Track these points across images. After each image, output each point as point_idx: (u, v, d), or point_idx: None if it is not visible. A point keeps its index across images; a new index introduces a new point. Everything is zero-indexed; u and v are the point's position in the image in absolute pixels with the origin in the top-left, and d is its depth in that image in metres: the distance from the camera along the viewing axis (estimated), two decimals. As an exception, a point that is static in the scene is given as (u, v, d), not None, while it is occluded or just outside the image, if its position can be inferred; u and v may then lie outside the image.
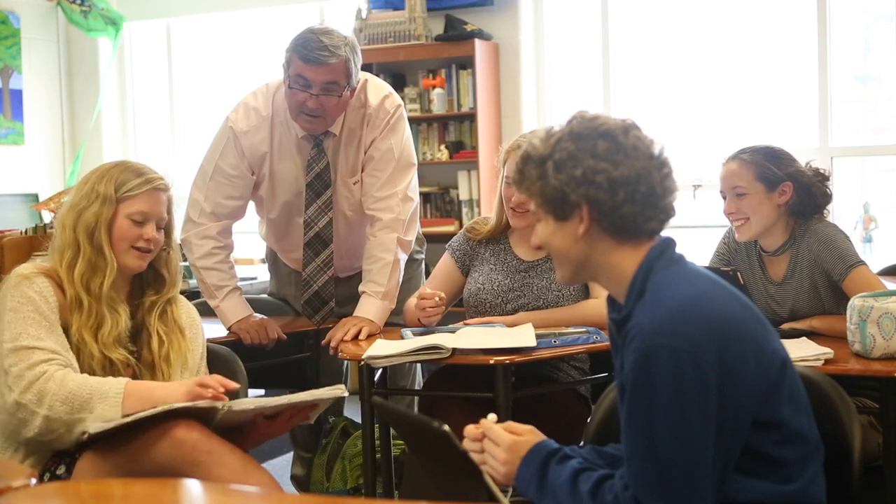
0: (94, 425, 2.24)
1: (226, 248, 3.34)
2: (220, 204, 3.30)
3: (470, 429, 1.87)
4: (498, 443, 1.82)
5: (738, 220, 2.89)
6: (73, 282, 2.41)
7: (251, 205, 3.47)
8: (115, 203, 2.45)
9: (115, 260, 2.44)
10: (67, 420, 2.26)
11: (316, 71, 3.06)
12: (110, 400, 2.27)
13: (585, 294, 3.06)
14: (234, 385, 2.36)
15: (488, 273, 3.14)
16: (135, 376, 2.44)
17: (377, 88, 3.29)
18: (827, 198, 2.91)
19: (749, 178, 2.85)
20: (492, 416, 1.87)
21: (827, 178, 2.93)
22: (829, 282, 2.83)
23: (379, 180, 3.27)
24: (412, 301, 3.18)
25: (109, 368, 2.41)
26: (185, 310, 2.62)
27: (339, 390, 2.43)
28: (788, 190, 2.84)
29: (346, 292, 3.43)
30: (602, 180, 1.72)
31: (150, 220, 2.48)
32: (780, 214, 2.87)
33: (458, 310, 3.22)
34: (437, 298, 2.98)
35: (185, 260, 4.13)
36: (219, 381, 2.34)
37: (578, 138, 1.74)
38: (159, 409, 2.24)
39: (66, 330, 2.40)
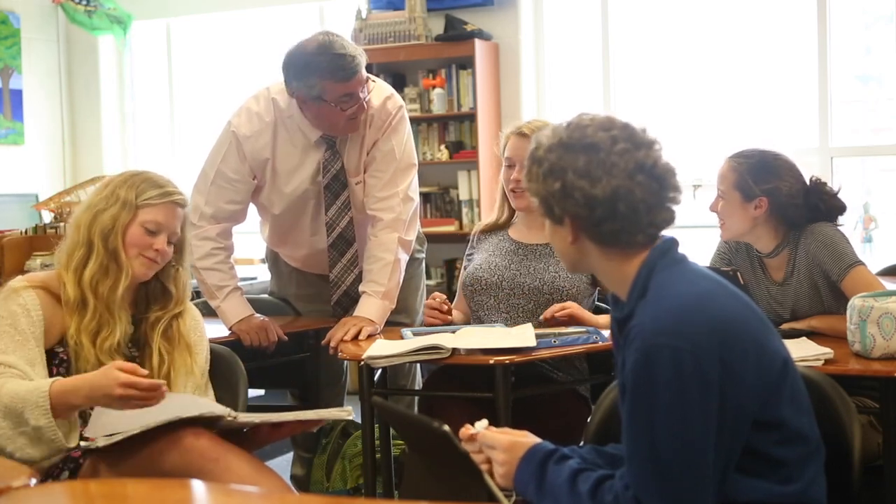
0: (101, 439, 2.24)
1: (226, 249, 3.35)
2: (221, 208, 3.31)
3: (463, 431, 1.87)
4: (494, 445, 1.82)
5: (720, 220, 2.93)
6: (81, 283, 2.41)
7: (252, 208, 3.47)
8: (134, 209, 2.45)
9: (129, 266, 2.44)
10: (16, 433, 2.24)
11: (356, 82, 3.10)
12: (39, 409, 2.23)
13: (585, 279, 3.09)
14: (155, 383, 2.23)
15: (486, 257, 3.19)
16: None
17: (379, 90, 3.30)
18: (819, 212, 2.86)
19: (729, 183, 2.87)
20: (481, 423, 1.87)
21: (828, 195, 2.88)
22: (828, 282, 2.83)
23: (381, 181, 3.28)
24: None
25: None
26: (192, 316, 2.61)
27: (344, 412, 2.43)
28: (763, 205, 2.84)
29: (347, 292, 3.43)
30: (579, 197, 1.72)
31: (162, 231, 2.48)
32: (756, 224, 2.87)
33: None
34: (444, 307, 3.05)
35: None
36: (135, 378, 2.21)
37: (566, 149, 1.74)
38: (165, 418, 2.23)
39: (63, 333, 2.40)
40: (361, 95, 3.13)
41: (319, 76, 3.08)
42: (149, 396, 2.21)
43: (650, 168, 1.73)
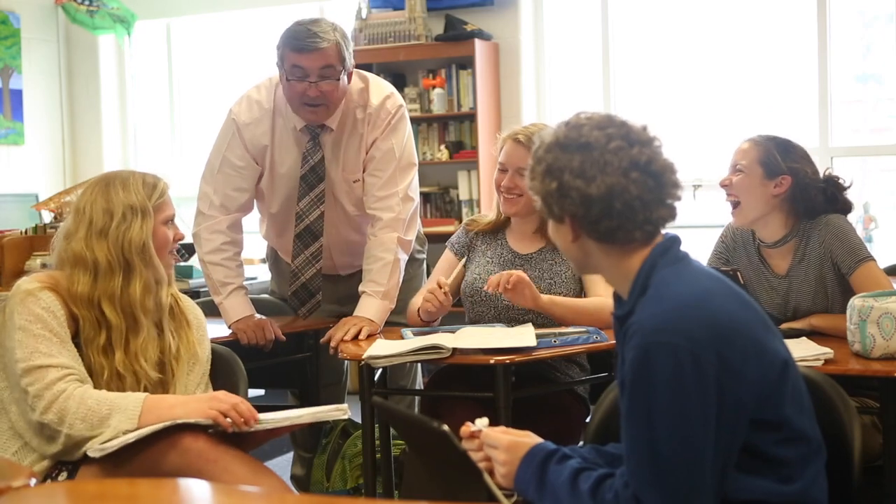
0: (95, 449, 2.23)
1: (234, 245, 3.35)
2: (230, 196, 3.31)
3: (463, 429, 1.87)
4: (496, 445, 1.82)
5: (731, 198, 2.89)
6: (128, 305, 2.40)
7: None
8: (151, 214, 2.46)
9: (164, 270, 2.47)
10: (88, 437, 2.26)
11: (310, 58, 3.09)
12: (128, 412, 2.27)
13: (578, 287, 3.07)
14: (253, 416, 2.33)
15: (485, 265, 3.16)
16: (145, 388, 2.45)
17: (379, 88, 3.30)
18: (835, 204, 2.88)
19: (752, 158, 2.86)
20: (482, 421, 1.87)
21: (842, 189, 2.89)
22: (836, 275, 2.82)
23: (380, 180, 3.28)
24: (414, 301, 3.18)
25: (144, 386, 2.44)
26: (190, 308, 2.62)
27: (340, 412, 2.42)
28: (785, 183, 2.83)
29: (347, 290, 3.43)
30: (575, 196, 1.73)
31: (174, 220, 2.53)
32: (773, 206, 2.86)
33: (458, 310, 3.22)
34: (443, 291, 2.99)
35: (188, 260, 4.13)
36: (234, 406, 2.31)
37: (562, 149, 1.75)
38: (162, 424, 2.24)
39: (110, 357, 2.40)
40: (316, 79, 3.09)
41: (282, 43, 3.14)
42: (240, 420, 2.29)
43: (645, 165, 1.73)
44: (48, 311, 2.34)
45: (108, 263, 2.40)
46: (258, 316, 3.33)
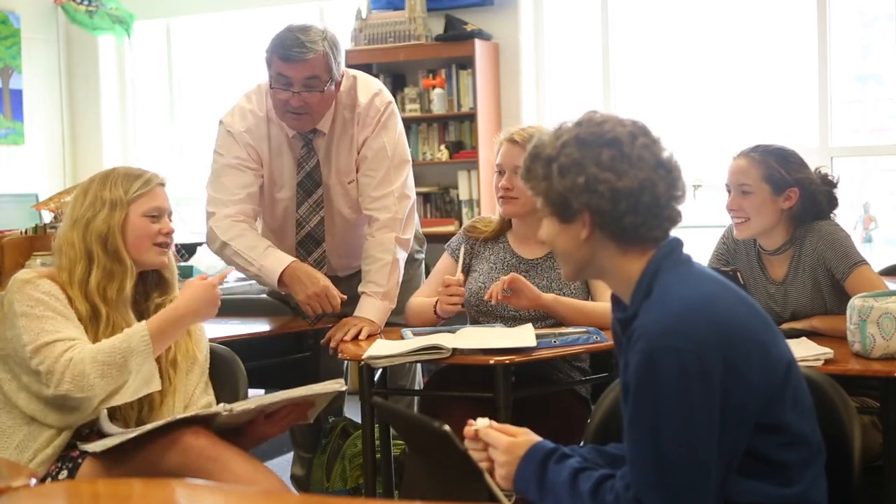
0: (94, 444, 2.23)
1: (245, 221, 3.24)
2: (234, 192, 3.25)
3: (467, 429, 1.87)
4: (495, 445, 1.82)
5: (739, 218, 2.88)
6: (89, 293, 2.41)
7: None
8: (126, 206, 2.46)
9: (132, 263, 2.46)
10: (114, 389, 2.30)
11: (295, 68, 3.07)
12: (142, 352, 2.33)
13: (586, 293, 3.06)
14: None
15: (489, 272, 3.13)
16: None
17: (367, 87, 3.28)
18: (833, 204, 2.90)
19: (756, 177, 2.84)
20: (483, 421, 1.87)
21: (835, 185, 2.91)
22: (831, 280, 2.82)
23: (374, 180, 3.26)
24: (415, 301, 3.18)
25: None
26: None
27: (337, 384, 2.42)
28: (794, 196, 2.83)
29: (345, 292, 3.42)
30: (604, 190, 1.71)
31: (163, 214, 2.52)
32: (781, 218, 2.86)
33: (461, 310, 3.21)
34: (458, 283, 2.98)
35: (188, 260, 4.12)
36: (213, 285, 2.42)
37: (584, 145, 1.74)
38: (161, 422, 2.24)
39: None
40: (300, 89, 3.07)
41: (270, 48, 3.12)
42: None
43: (667, 162, 1.75)
44: (48, 295, 2.37)
45: (75, 253, 2.44)
46: (296, 262, 3.20)
